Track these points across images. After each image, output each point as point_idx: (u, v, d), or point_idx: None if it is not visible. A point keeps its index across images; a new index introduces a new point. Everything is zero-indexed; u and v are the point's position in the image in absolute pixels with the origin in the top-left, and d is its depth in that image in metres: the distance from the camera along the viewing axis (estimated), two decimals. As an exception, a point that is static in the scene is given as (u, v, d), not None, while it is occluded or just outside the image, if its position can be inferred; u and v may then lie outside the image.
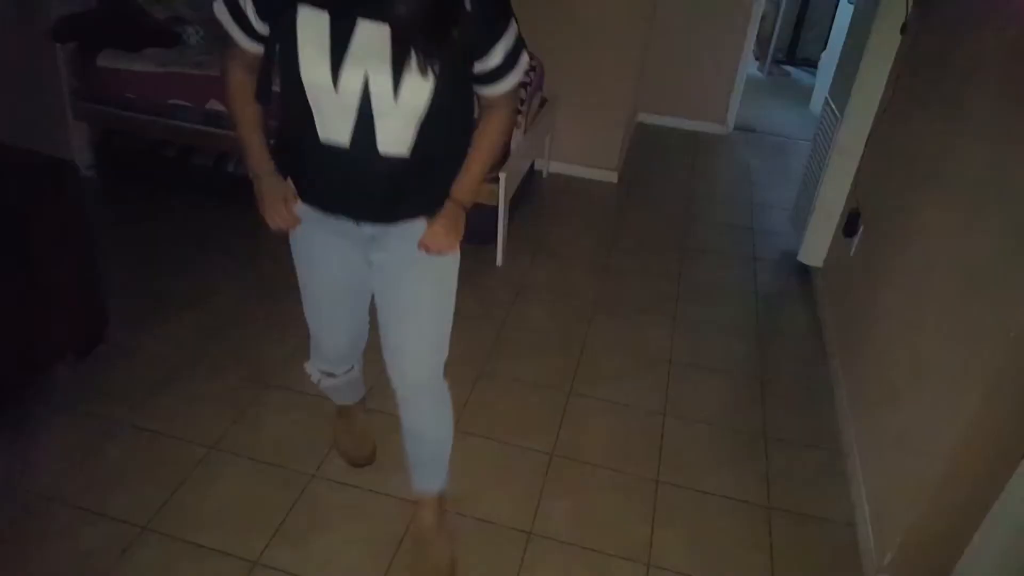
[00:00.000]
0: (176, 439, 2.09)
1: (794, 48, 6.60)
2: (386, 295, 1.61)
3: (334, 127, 1.33)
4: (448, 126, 1.41)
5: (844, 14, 4.84)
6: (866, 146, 2.77)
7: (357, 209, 1.47)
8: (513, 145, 2.97)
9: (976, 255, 1.69)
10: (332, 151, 1.35)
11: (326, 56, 1.26)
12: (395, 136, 1.34)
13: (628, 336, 2.73)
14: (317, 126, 1.34)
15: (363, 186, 1.42)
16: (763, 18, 5.32)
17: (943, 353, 1.75)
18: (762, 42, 6.13)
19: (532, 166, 3.70)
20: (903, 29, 2.50)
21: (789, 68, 6.55)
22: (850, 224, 2.68)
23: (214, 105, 3.08)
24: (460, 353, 2.38)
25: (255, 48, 1.38)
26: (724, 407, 2.42)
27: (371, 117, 1.31)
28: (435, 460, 1.78)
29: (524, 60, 1.40)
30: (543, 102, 3.57)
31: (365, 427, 2.11)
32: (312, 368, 1.87)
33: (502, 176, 2.89)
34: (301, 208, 1.51)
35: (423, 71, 1.26)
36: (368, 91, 1.28)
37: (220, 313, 2.64)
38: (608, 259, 3.26)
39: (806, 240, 3.10)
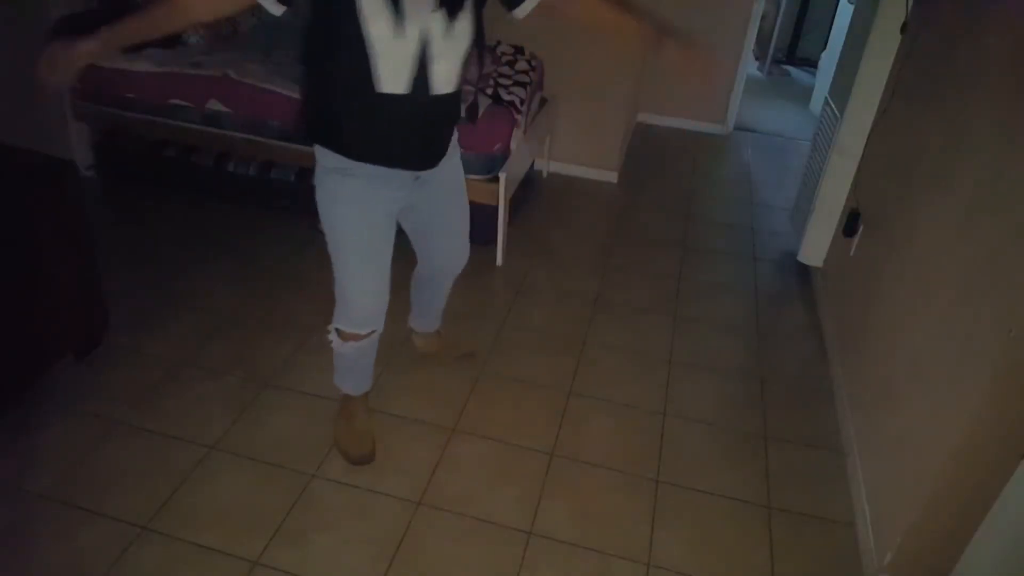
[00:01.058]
0: (176, 439, 2.09)
1: (794, 48, 6.59)
2: (428, 219, 1.90)
3: (393, 77, 1.43)
4: (470, 57, 1.55)
5: (844, 14, 4.83)
6: (866, 146, 2.77)
7: (412, 156, 1.61)
8: (513, 145, 2.97)
9: (976, 255, 1.69)
10: (389, 101, 1.46)
11: (388, 7, 1.36)
12: (446, 76, 1.48)
13: (628, 336, 2.73)
14: (375, 79, 1.43)
15: (415, 130, 1.55)
16: (763, 18, 5.31)
17: (943, 353, 1.75)
18: (762, 42, 6.12)
19: (532, 166, 3.70)
20: (903, 29, 2.50)
21: (789, 68, 6.54)
22: (850, 224, 2.68)
23: (214, 105, 3.08)
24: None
25: (268, 5, 1.41)
26: (724, 407, 2.42)
27: (426, 61, 1.43)
28: (440, 310, 2.32)
29: None
30: (543, 102, 3.57)
31: (365, 426, 2.11)
32: (334, 333, 1.91)
33: (502, 176, 2.89)
34: (364, 169, 1.60)
35: (462, 9, 1.42)
36: (427, 36, 1.40)
37: (220, 313, 2.64)
38: (608, 259, 3.26)
39: (806, 240, 3.09)
